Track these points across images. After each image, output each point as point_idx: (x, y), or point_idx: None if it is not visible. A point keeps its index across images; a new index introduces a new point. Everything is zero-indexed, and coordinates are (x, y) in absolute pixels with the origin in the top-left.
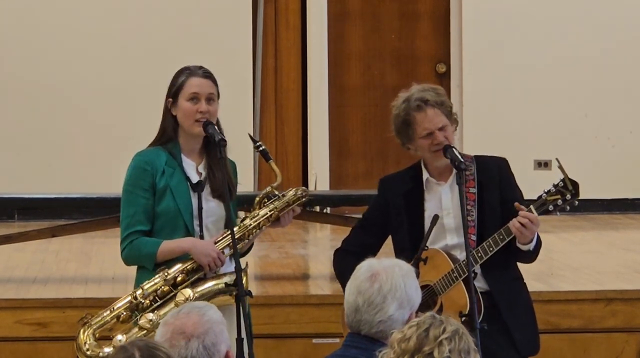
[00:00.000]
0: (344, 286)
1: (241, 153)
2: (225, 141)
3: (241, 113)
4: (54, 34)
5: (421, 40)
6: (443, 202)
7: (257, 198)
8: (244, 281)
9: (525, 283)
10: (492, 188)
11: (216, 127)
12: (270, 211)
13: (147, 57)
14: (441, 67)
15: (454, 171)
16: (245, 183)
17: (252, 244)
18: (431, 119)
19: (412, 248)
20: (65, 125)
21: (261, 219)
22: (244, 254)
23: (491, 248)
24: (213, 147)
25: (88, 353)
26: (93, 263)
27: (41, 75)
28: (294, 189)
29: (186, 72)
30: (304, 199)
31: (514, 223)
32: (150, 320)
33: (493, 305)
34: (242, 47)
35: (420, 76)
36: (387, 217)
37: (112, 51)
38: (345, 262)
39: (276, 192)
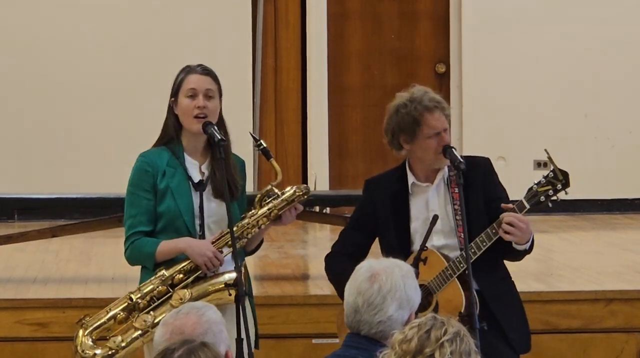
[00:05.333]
0: (338, 289)
1: (241, 153)
2: (224, 141)
3: (241, 113)
4: (55, 34)
5: (421, 40)
6: (430, 203)
7: (257, 197)
8: (233, 281)
9: (513, 282)
10: (476, 187)
11: (216, 127)
12: (269, 210)
13: (147, 58)
14: (441, 67)
15: (442, 173)
16: (246, 182)
17: (262, 242)
18: (441, 120)
19: (399, 249)
20: (65, 125)
21: (260, 218)
22: (253, 252)
23: (484, 243)
24: (215, 146)
25: (82, 354)
26: (93, 263)
27: (41, 76)
28: (294, 187)
29: (185, 70)
30: (305, 197)
31: (503, 230)
32: (145, 321)
33: (484, 305)
34: (242, 47)
35: (420, 76)
36: (375, 217)
37: (112, 51)
38: (338, 264)
39: (276, 191)
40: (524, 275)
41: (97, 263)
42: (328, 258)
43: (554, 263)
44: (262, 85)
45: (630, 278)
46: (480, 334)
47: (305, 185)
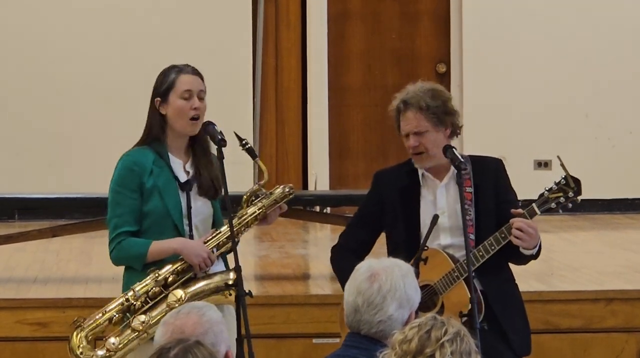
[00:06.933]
0: (342, 283)
1: (242, 153)
2: (226, 142)
3: (241, 113)
4: (54, 34)
5: (421, 40)
6: (438, 201)
7: (245, 197)
8: (233, 281)
9: (517, 284)
10: (488, 189)
11: (217, 127)
12: (258, 209)
13: (147, 57)
14: (441, 67)
15: (451, 171)
16: (246, 183)
17: (238, 241)
18: (409, 122)
19: (407, 245)
20: (65, 125)
21: (249, 218)
22: (230, 251)
23: (493, 247)
24: (199, 145)
25: (81, 356)
26: (93, 263)
27: (41, 75)
28: (281, 187)
29: (175, 70)
30: (290, 196)
31: (513, 235)
32: (143, 322)
33: (487, 306)
34: (242, 47)
35: (420, 76)
36: (382, 212)
37: (112, 51)
38: (343, 259)
39: (263, 190)
40: (525, 275)
41: (98, 263)
42: (334, 250)
43: (555, 263)
44: (263, 85)
45: (631, 278)
46: (481, 335)
47: (290, 184)
